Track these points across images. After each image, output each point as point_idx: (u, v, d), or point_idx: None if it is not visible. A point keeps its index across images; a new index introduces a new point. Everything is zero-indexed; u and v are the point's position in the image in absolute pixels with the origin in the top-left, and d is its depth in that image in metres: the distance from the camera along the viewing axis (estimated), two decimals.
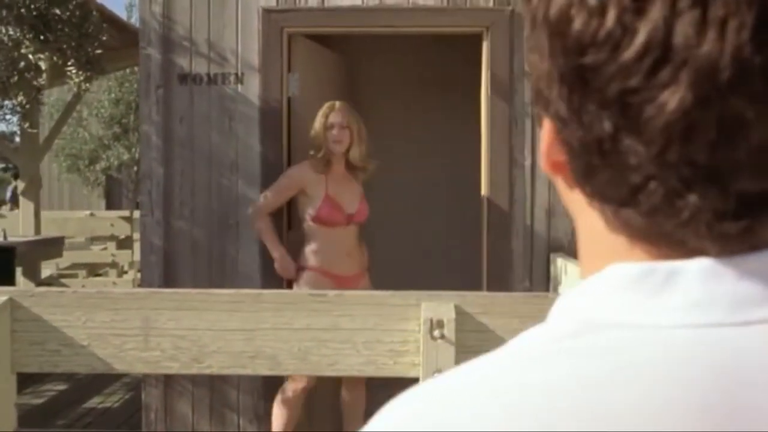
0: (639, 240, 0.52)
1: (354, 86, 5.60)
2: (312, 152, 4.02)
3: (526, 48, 0.56)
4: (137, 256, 8.56)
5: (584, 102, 0.50)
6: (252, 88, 4.24)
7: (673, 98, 0.47)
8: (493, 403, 0.48)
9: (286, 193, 4.03)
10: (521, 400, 0.47)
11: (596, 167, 0.51)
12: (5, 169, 28.45)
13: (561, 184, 0.57)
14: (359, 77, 5.70)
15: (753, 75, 0.47)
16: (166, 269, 4.25)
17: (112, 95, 13.88)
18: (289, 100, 4.38)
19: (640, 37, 0.47)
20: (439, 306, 2.15)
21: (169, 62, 4.29)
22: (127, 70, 12.60)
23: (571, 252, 4.19)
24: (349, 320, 2.18)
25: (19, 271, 7.23)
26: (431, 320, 2.10)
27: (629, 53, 0.48)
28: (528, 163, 4.22)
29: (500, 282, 4.21)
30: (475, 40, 4.42)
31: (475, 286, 4.35)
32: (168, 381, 4.27)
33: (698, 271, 0.49)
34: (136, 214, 8.88)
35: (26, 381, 6.28)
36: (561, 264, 3.96)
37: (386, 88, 5.86)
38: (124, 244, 10.20)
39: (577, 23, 0.49)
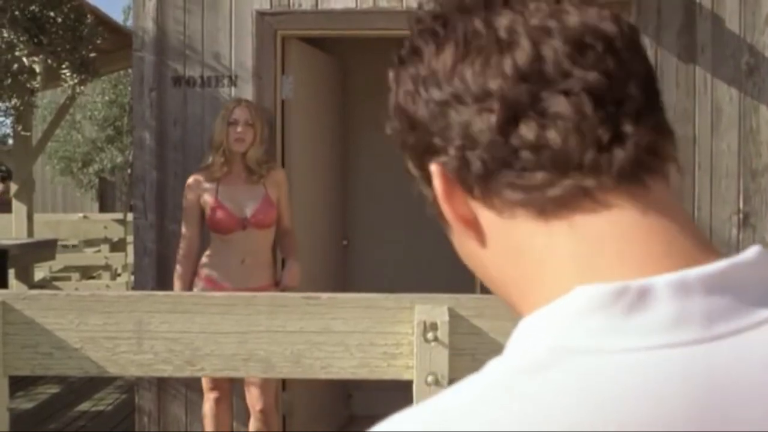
0: (559, 212, 0.54)
1: (347, 89, 5.61)
2: (206, 158, 3.86)
3: (396, 137, 0.63)
4: (130, 259, 8.54)
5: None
6: (246, 91, 4.24)
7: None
8: None
9: (193, 214, 3.82)
10: None
11: (483, 160, 0.55)
12: None
13: (471, 244, 0.59)
14: (353, 80, 5.71)
15: None
16: (160, 272, 4.24)
17: (106, 97, 13.86)
18: (282, 103, 4.38)
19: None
20: (433, 308, 2.15)
21: (163, 65, 4.29)
22: (121, 72, 12.58)
23: None
24: (342, 323, 2.18)
25: (11, 273, 7.22)
26: (425, 323, 2.10)
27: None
28: None
29: None
30: None
31: (469, 288, 4.35)
32: (161, 384, 4.26)
33: (669, 287, 0.50)
34: (130, 216, 8.86)
35: (18, 384, 6.26)
36: None
37: (380, 92, 5.85)
38: (118, 246, 10.18)
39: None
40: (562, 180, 0.54)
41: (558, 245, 0.54)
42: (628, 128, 0.53)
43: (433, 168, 0.58)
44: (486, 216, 0.57)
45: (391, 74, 0.62)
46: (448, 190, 0.58)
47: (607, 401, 0.47)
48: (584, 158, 0.53)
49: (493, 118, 0.54)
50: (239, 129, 3.76)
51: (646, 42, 4.25)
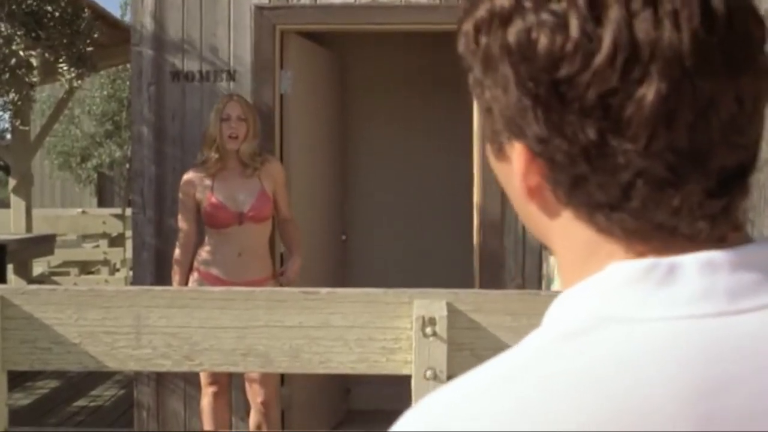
0: (632, 241, 0.55)
1: (347, 84, 5.60)
2: (201, 154, 3.86)
3: (483, 88, 0.58)
4: (129, 254, 8.54)
5: (564, 115, 0.53)
6: (244, 86, 4.24)
7: (649, 91, 0.51)
8: (518, 402, 0.51)
9: (190, 209, 3.85)
10: (543, 397, 0.51)
11: (584, 176, 0.54)
12: None
13: (533, 213, 0.60)
14: (352, 75, 5.70)
15: (712, 54, 0.51)
16: (158, 267, 4.24)
17: (105, 92, 13.83)
18: (281, 97, 4.37)
19: (607, 41, 0.51)
20: (432, 303, 2.15)
21: (161, 59, 4.28)
22: (120, 67, 12.56)
23: None
24: (341, 318, 2.18)
25: (10, 268, 7.21)
26: (423, 318, 2.10)
27: (601, 57, 0.51)
28: None
29: (492, 280, 4.21)
30: None
31: (468, 283, 4.35)
32: (160, 379, 4.26)
33: (696, 265, 0.53)
34: (128, 211, 8.85)
35: (17, 379, 6.26)
36: (554, 262, 3.97)
37: (379, 86, 5.87)
38: (116, 241, 10.18)
39: (542, 43, 0.52)
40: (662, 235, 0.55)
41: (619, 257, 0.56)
42: (714, 201, 0.54)
43: (515, 143, 0.57)
44: (566, 213, 0.58)
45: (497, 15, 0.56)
46: (526, 167, 0.57)
47: (638, 364, 0.51)
48: (679, 226, 0.54)
49: (552, 153, 0.55)
50: (232, 124, 3.78)
51: None
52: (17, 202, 8.00)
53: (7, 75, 5.39)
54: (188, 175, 3.86)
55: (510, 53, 0.54)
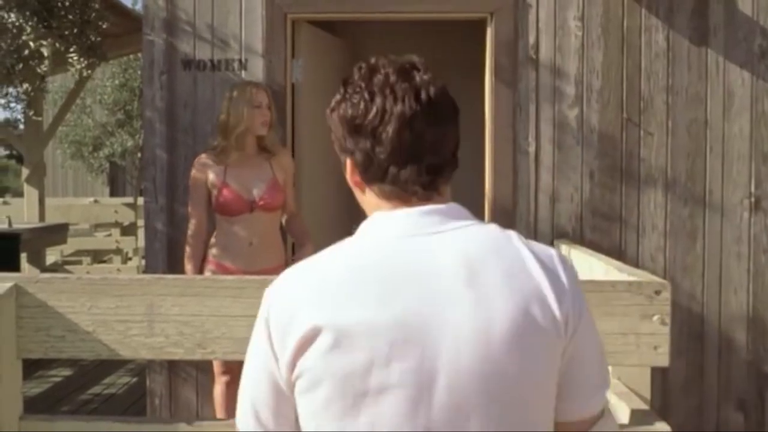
0: (390, 201, 1.27)
1: None
2: (216, 140, 3.86)
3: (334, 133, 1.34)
4: (141, 243, 8.57)
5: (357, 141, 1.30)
6: (256, 74, 4.24)
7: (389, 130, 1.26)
8: (312, 269, 1.26)
9: (201, 195, 3.84)
10: (321, 274, 1.23)
11: (368, 167, 1.28)
12: (9, 156, 28.47)
13: (358, 193, 1.33)
14: None
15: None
16: (170, 255, 4.25)
17: (116, 81, 13.83)
18: (293, 86, 4.37)
19: (373, 111, 1.29)
20: None
21: (173, 48, 4.29)
22: (131, 56, 12.56)
23: (576, 238, 4.18)
24: None
25: (24, 257, 7.25)
26: None
27: (369, 119, 1.30)
28: (532, 149, 4.22)
29: None
30: (480, 26, 4.40)
31: None
32: (172, 367, 4.28)
33: (406, 214, 1.25)
34: (140, 200, 8.87)
35: (31, 367, 6.30)
36: (565, 250, 3.96)
37: None
38: (129, 230, 10.22)
39: (350, 113, 1.34)
40: (398, 195, 1.28)
41: (386, 209, 1.28)
42: (423, 178, 1.25)
43: (347, 160, 1.32)
44: (367, 190, 1.31)
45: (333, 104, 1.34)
46: (351, 170, 1.33)
47: (366, 252, 1.23)
48: (408, 189, 1.27)
49: (357, 159, 1.30)
50: (264, 112, 3.80)
51: (658, 25, 4.22)
52: (30, 192, 8.04)
53: (20, 66, 5.40)
54: (202, 158, 3.85)
55: (339, 117, 1.36)
